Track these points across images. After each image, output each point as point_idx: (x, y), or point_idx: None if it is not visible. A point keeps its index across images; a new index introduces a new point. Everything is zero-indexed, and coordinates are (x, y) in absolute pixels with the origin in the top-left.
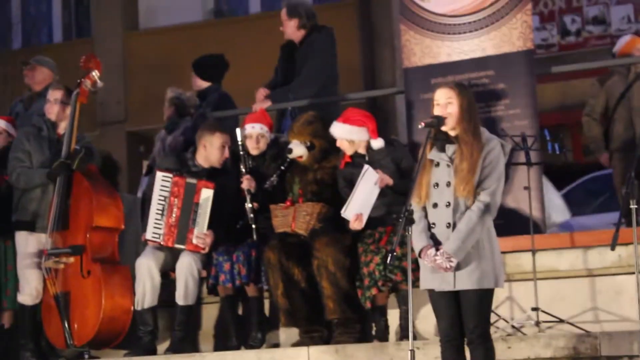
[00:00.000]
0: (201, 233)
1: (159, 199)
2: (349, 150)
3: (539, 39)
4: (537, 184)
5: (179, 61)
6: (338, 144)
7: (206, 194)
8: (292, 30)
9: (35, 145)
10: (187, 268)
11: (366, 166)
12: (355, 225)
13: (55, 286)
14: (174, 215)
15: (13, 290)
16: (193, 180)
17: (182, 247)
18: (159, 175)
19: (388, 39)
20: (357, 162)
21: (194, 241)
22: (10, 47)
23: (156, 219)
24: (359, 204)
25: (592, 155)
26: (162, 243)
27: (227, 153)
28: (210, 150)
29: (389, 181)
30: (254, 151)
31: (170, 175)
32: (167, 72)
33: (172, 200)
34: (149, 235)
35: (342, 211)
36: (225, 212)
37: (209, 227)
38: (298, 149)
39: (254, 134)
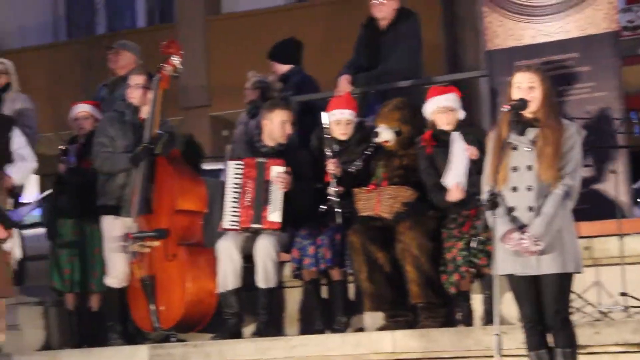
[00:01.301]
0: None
1: (234, 187)
2: (450, 123)
3: (624, 21)
4: (624, 167)
5: (261, 45)
6: (437, 119)
7: (277, 171)
8: (389, 10)
9: (119, 130)
10: (264, 250)
11: (455, 133)
12: (457, 194)
13: (141, 269)
14: (248, 196)
15: (100, 273)
16: (263, 159)
17: (258, 226)
18: (231, 164)
19: (471, 21)
20: (442, 140)
21: (269, 218)
22: (94, 32)
23: (232, 207)
24: (457, 172)
25: None
26: (239, 228)
27: (289, 129)
28: (271, 127)
29: (476, 153)
30: (342, 136)
31: (241, 162)
32: (250, 56)
33: (245, 183)
34: (226, 224)
35: (442, 179)
36: (299, 189)
37: (285, 204)
38: (385, 134)
39: (342, 120)
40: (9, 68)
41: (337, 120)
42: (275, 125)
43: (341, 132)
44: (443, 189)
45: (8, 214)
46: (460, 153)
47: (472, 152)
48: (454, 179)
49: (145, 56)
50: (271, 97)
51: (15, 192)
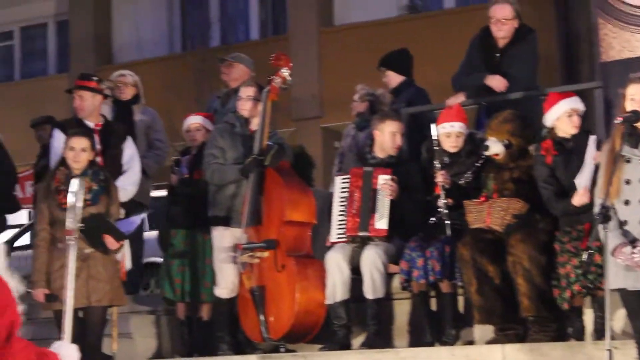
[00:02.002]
0: (383, 219)
1: (340, 201)
2: (577, 126)
3: None
4: None
5: (373, 56)
6: (562, 124)
7: (383, 179)
8: (510, 29)
9: (229, 142)
10: (371, 261)
11: (591, 137)
12: (584, 198)
13: (250, 280)
14: (354, 205)
15: (211, 283)
16: (370, 168)
17: (365, 233)
18: (338, 179)
19: (585, 33)
20: (562, 149)
21: (376, 226)
22: (208, 45)
23: (339, 221)
24: (588, 176)
25: None
26: (346, 240)
27: (399, 140)
28: (382, 138)
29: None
30: (452, 149)
31: (347, 175)
32: (362, 67)
33: (352, 192)
34: (333, 237)
35: (576, 179)
36: (408, 200)
37: (391, 214)
38: (495, 147)
39: (452, 133)
40: (137, 80)
41: (447, 133)
42: (386, 136)
43: (451, 145)
44: (566, 197)
45: (118, 226)
46: (589, 158)
47: (596, 158)
48: (585, 182)
49: (257, 68)
50: (380, 109)
51: (138, 204)
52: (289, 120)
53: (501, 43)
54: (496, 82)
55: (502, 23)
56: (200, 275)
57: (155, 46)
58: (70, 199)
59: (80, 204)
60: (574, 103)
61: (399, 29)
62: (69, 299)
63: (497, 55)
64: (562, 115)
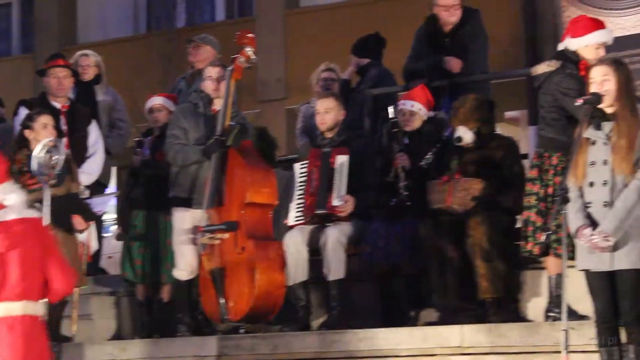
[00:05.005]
0: (340, 197)
1: (299, 185)
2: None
3: None
4: None
5: (339, 38)
6: (593, 54)
7: (341, 160)
8: (460, 13)
9: (192, 122)
10: (331, 242)
11: None
12: None
13: (210, 262)
14: (312, 184)
15: (171, 265)
16: (327, 149)
17: (322, 211)
18: (296, 166)
19: (550, 15)
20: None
21: (333, 203)
22: (173, 25)
23: (298, 204)
24: None
25: None
26: (304, 222)
27: (328, 119)
28: (318, 117)
29: None
30: (405, 128)
31: (306, 162)
32: (328, 50)
33: (310, 172)
34: (291, 221)
35: None
36: (364, 179)
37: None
38: (467, 136)
39: (405, 111)
40: (99, 60)
41: (402, 111)
42: (320, 115)
43: (405, 123)
44: None
45: (89, 206)
46: None
47: None
48: None
49: (223, 50)
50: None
51: (98, 184)
52: (254, 101)
53: (448, 28)
54: (453, 63)
55: (455, 9)
56: (160, 256)
57: (120, 26)
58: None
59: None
60: (607, 36)
61: (365, 11)
62: None
63: (446, 40)
64: (591, 45)
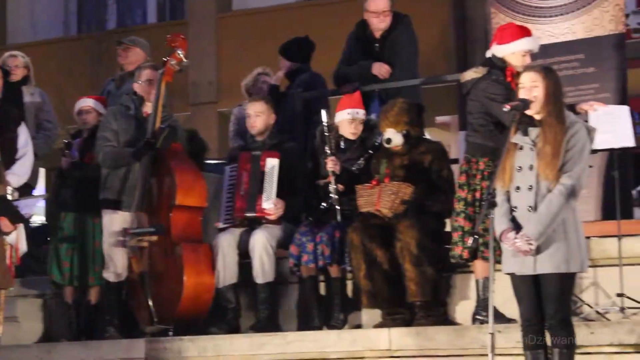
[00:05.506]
0: (270, 200)
1: (228, 188)
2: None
3: (635, 23)
4: (625, 169)
5: (271, 42)
6: (520, 60)
7: (271, 163)
8: (390, 19)
9: (122, 124)
10: (260, 245)
11: None
12: None
13: (139, 264)
14: (242, 187)
15: (100, 267)
16: (257, 152)
17: (252, 214)
18: (227, 169)
19: (481, 22)
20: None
21: (263, 206)
22: (104, 27)
23: (227, 206)
24: None
25: None
26: (233, 225)
27: (262, 121)
28: (249, 120)
29: None
30: (353, 136)
31: (236, 164)
32: (259, 53)
33: (240, 175)
34: (221, 223)
35: None
36: (294, 182)
37: (279, 197)
38: (396, 139)
39: (357, 119)
40: (27, 61)
41: (352, 120)
42: (251, 118)
43: (352, 132)
44: None
45: (16, 208)
46: None
47: None
48: None
49: (154, 52)
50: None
51: (26, 186)
52: (186, 104)
53: (378, 33)
54: (379, 70)
55: (384, 15)
56: (89, 259)
57: (50, 28)
58: None
59: None
60: (533, 44)
61: (297, 16)
62: None
63: (376, 45)
64: (517, 53)
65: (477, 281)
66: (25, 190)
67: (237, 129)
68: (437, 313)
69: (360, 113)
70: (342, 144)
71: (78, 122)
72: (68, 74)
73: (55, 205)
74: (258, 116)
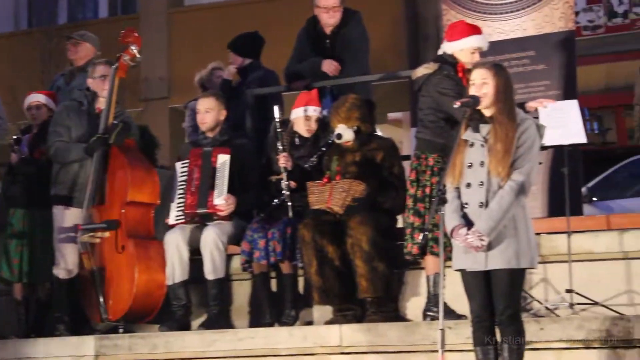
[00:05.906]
0: (222, 196)
1: (179, 184)
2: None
3: (585, 20)
4: (574, 166)
5: (223, 38)
6: (469, 58)
7: (222, 159)
8: (340, 15)
9: (75, 120)
10: (211, 242)
11: None
12: None
13: (90, 261)
14: (194, 184)
15: (50, 263)
16: (209, 148)
17: (203, 210)
18: (178, 165)
19: (432, 19)
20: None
21: (215, 202)
22: (55, 22)
23: (179, 203)
24: None
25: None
26: (184, 222)
27: (212, 117)
28: (199, 117)
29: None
30: (308, 133)
31: (187, 161)
32: (211, 49)
33: (191, 171)
34: (172, 220)
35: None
36: (246, 178)
37: (231, 193)
38: (347, 134)
39: (313, 117)
40: None
41: (309, 117)
42: (201, 114)
43: (308, 129)
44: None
45: None
46: None
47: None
48: None
49: (106, 47)
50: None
51: None
52: (137, 100)
53: (328, 29)
54: (329, 67)
55: (334, 11)
56: (39, 255)
57: (0, 22)
58: None
59: None
60: (482, 42)
61: (248, 12)
62: None
63: (327, 41)
64: (466, 50)
65: (427, 277)
66: None
67: (194, 124)
68: (388, 309)
69: (317, 111)
70: (296, 141)
71: (28, 117)
72: (18, 69)
73: (4, 201)
74: (208, 112)
